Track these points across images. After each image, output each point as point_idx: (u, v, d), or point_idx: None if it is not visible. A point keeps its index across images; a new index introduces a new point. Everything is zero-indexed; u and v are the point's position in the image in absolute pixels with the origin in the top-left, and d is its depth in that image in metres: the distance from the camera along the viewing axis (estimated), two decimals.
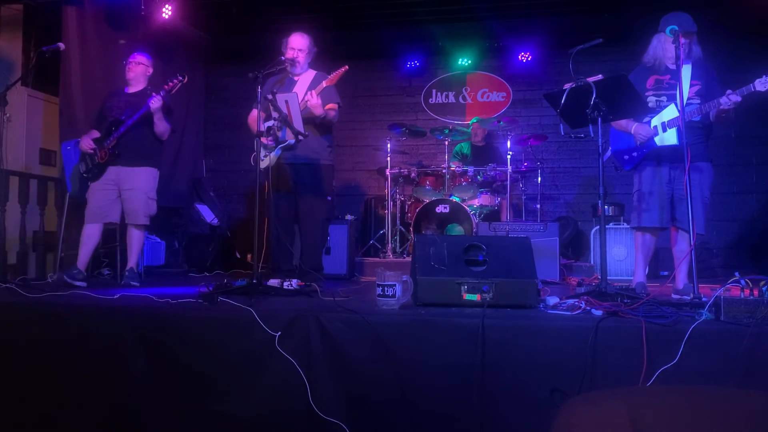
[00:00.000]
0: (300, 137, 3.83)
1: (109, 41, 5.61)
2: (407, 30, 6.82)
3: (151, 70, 4.37)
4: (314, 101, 3.93)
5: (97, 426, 2.72)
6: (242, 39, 6.75)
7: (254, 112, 4.23)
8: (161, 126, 4.17)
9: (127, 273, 4.15)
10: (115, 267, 4.70)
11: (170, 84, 4.12)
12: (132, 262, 4.21)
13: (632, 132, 3.52)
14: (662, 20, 3.43)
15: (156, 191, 4.26)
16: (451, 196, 5.72)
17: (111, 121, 4.15)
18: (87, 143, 4.18)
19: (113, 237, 4.68)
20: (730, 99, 3.18)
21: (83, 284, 3.90)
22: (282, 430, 2.55)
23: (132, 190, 4.13)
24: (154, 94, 4.07)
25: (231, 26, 6.56)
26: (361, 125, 7.32)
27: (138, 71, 4.30)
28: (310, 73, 4.25)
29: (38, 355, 2.81)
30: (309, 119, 4.05)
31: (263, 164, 3.84)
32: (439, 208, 5.58)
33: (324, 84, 4.01)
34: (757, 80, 3.14)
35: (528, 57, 6.94)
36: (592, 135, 3.00)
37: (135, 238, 4.22)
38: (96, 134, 4.23)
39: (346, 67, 4.04)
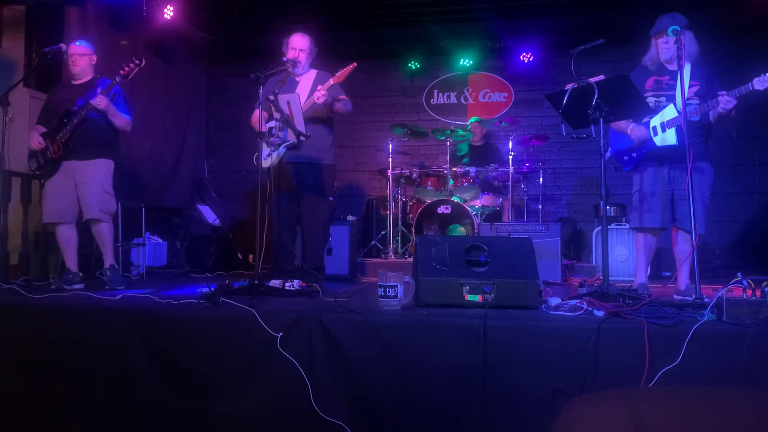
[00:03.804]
0: (302, 138, 3.84)
1: (111, 42, 5.61)
2: (408, 30, 6.83)
3: (95, 58, 4.07)
4: (320, 92, 3.89)
5: (98, 426, 2.72)
6: (244, 39, 6.75)
7: (257, 112, 4.23)
8: (118, 121, 3.94)
9: (108, 273, 3.90)
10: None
11: (125, 69, 3.81)
12: (109, 259, 3.94)
13: (629, 133, 3.51)
14: (656, 22, 3.45)
15: (113, 186, 3.98)
16: (452, 196, 5.72)
17: (62, 113, 3.88)
18: (36, 140, 3.90)
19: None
20: (725, 101, 3.15)
21: (80, 286, 3.86)
22: (283, 431, 2.55)
23: (86, 183, 3.86)
24: (98, 92, 3.77)
25: (232, 27, 6.56)
26: (363, 126, 7.32)
27: (83, 63, 4.00)
28: (312, 73, 4.25)
29: (40, 355, 2.82)
30: (317, 117, 4.04)
31: (265, 164, 3.84)
32: (441, 209, 5.58)
33: (332, 81, 4.00)
34: (756, 79, 3.09)
35: (530, 57, 6.93)
36: (594, 135, 2.99)
37: (99, 233, 3.92)
38: (42, 129, 3.96)
39: (354, 64, 4.01)
